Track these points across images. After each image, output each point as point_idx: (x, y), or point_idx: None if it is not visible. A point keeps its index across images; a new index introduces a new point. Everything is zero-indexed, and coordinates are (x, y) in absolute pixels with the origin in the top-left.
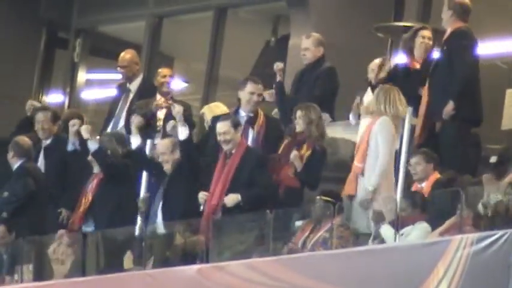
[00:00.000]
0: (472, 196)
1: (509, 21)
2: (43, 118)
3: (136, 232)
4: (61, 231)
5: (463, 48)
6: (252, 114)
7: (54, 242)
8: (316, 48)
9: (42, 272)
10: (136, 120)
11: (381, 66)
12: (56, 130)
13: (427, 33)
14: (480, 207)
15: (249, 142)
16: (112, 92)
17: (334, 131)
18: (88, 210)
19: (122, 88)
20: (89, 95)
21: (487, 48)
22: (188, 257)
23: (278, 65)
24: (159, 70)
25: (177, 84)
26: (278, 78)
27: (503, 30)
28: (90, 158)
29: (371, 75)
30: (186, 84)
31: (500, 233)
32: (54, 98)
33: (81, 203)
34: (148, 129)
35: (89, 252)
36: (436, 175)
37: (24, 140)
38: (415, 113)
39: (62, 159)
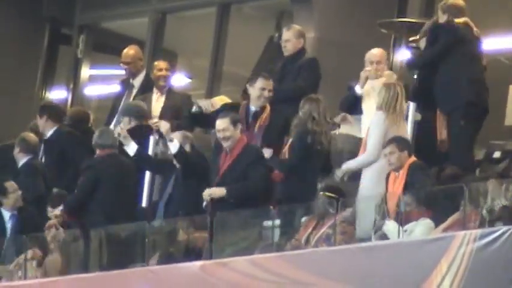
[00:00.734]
0: (476, 192)
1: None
2: None
3: None
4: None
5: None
6: (258, 109)
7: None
8: (297, 40)
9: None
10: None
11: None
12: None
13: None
14: (485, 212)
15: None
16: (115, 88)
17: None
18: None
19: (125, 84)
20: (92, 91)
21: (491, 44)
22: (191, 253)
23: None
24: (155, 63)
25: (181, 80)
26: None
27: (506, 26)
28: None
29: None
30: (189, 80)
31: (503, 229)
32: (58, 94)
33: None
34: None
35: (92, 249)
36: (411, 159)
37: (30, 136)
38: (420, 108)
39: (61, 153)
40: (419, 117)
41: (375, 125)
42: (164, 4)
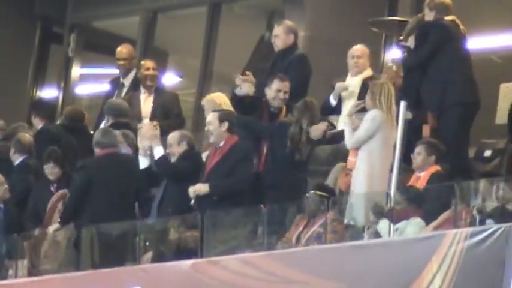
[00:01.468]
0: (467, 191)
1: (503, 15)
2: None
3: None
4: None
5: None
6: (276, 111)
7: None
8: (287, 35)
9: (36, 268)
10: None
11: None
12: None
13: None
14: (475, 212)
15: None
16: (106, 87)
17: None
18: None
19: (115, 83)
20: (83, 89)
21: (482, 42)
22: (183, 251)
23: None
24: (142, 62)
25: (171, 79)
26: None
27: (497, 24)
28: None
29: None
30: (180, 79)
31: (494, 227)
32: (49, 92)
33: None
34: None
35: (83, 247)
36: (436, 167)
37: (25, 136)
38: (410, 107)
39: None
40: (410, 116)
41: (368, 120)
42: (155, 3)
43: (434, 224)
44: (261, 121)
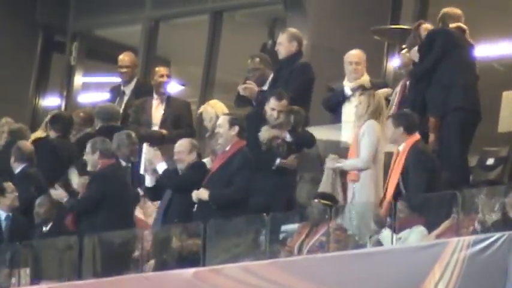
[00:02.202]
0: (469, 199)
1: (506, 23)
2: None
3: None
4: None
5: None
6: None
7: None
8: (290, 43)
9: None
10: None
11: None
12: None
13: (428, 26)
14: (477, 224)
15: None
16: (107, 95)
17: (320, 132)
18: None
19: (116, 91)
20: (85, 98)
21: (484, 50)
22: (185, 260)
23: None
24: (156, 69)
25: (174, 87)
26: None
27: (500, 32)
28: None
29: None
30: (182, 87)
31: (496, 235)
32: (51, 101)
33: None
34: None
35: (85, 255)
36: (415, 138)
37: (25, 144)
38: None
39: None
40: None
41: (369, 133)
42: (157, 12)
43: (436, 232)
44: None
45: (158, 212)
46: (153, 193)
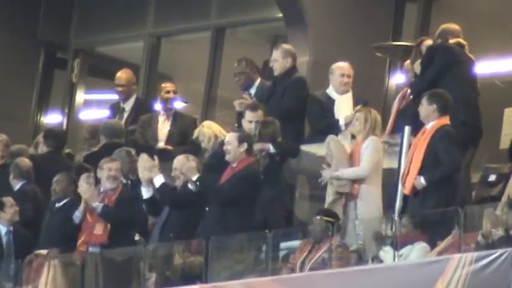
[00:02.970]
0: (471, 215)
1: (507, 40)
2: None
3: None
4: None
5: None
6: None
7: None
8: (284, 59)
9: None
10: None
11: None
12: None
13: (430, 42)
14: (480, 238)
15: None
16: (107, 112)
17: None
18: None
19: (115, 108)
20: (87, 115)
21: (485, 67)
22: (187, 277)
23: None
24: (163, 85)
25: (176, 104)
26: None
27: (501, 49)
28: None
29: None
30: (184, 104)
31: (499, 251)
32: (53, 118)
33: None
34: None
35: (88, 272)
36: (444, 120)
37: (24, 161)
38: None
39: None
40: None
41: (373, 147)
42: (159, 28)
43: (438, 248)
44: None
45: (155, 227)
46: (151, 207)
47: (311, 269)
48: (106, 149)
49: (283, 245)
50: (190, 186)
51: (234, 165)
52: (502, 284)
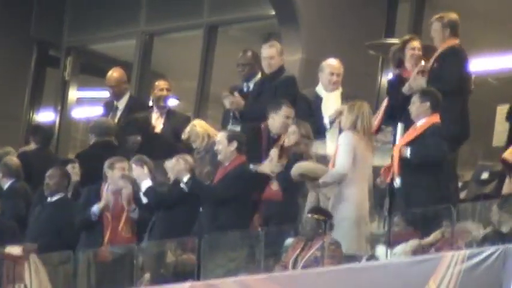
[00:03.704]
0: (463, 212)
1: (500, 38)
2: None
3: None
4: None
5: (457, 65)
6: (276, 136)
7: None
8: (279, 57)
9: None
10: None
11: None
12: None
13: (416, 43)
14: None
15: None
16: (101, 110)
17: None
18: None
19: (109, 106)
20: (79, 113)
21: (478, 64)
22: (180, 274)
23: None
24: (156, 83)
25: (168, 102)
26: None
27: (494, 46)
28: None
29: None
30: (177, 102)
31: (491, 249)
32: (45, 116)
33: None
34: None
35: (80, 270)
36: (435, 118)
37: (12, 160)
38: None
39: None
40: None
41: (342, 144)
42: (152, 26)
43: (427, 240)
44: (259, 146)
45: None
46: (149, 211)
47: (304, 267)
48: (97, 147)
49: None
50: (182, 185)
51: (226, 164)
52: (494, 282)
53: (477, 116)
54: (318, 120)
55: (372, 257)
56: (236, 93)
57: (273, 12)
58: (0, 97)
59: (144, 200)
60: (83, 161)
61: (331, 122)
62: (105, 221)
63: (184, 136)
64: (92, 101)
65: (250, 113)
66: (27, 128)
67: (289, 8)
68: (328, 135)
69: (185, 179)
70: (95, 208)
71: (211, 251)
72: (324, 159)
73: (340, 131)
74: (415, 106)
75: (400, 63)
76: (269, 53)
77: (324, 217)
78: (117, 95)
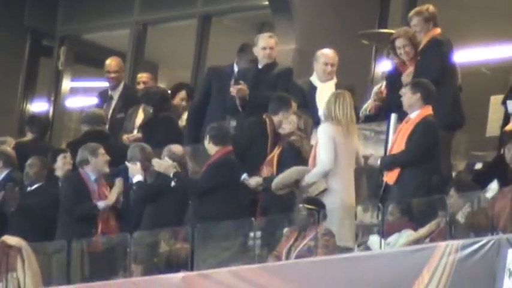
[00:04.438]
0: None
1: (494, 28)
2: None
3: None
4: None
5: (440, 54)
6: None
7: None
8: (277, 47)
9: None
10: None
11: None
12: None
13: (399, 42)
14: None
15: None
16: (95, 100)
17: None
18: None
19: (103, 96)
20: (73, 102)
21: (472, 54)
22: (173, 264)
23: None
24: (138, 76)
25: None
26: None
27: (487, 37)
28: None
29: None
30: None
31: (485, 239)
32: (39, 106)
33: None
34: None
35: (73, 260)
36: (427, 110)
37: (8, 150)
38: (401, 119)
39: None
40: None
41: (321, 136)
42: (145, 16)
43: (421, 232)
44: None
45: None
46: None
47: (297, 257)
48: (88, 136)
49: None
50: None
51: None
52: (488, 272)
53: (470, 106)
54: (312, 110)
55: (364, 245)
56: (241, 82)
57: (267, 2)
58: None
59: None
60: (75, 150)
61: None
62: (102, 212)
63: (181, 123)
64: (86, 91)
65: (252, 102)
66: (21, 118)
67: None
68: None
69: (171, 174)
70: (102, 204)
71: (204, 241)
72: None
73: None
74: (406, 97)
75: (396, 55)
76: (270, 43)
77: (317, 207)
78: (115, 83)
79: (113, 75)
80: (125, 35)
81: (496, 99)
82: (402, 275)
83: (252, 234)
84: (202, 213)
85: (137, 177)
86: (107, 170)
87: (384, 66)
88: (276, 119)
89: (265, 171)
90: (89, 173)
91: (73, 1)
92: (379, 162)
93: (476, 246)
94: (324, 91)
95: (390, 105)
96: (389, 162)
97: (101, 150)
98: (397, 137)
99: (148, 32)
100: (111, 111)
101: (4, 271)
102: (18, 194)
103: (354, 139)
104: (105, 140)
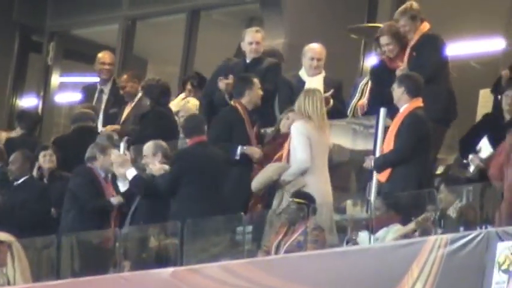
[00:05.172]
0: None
1: (483, 22)
2: None
3: None
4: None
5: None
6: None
7: None
8: (263, 42)
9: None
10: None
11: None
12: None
13: (383, 40)
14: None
15: None
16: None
17: None
18: None
19: (89, 91)
20: (62, 98)
21: (461, 48)
22: (162, 259)
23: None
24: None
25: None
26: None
27: (477, 30)
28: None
29: None
30: None
31: (474, 233)
32: (28, 101)
33: None
34: None
35: (63, 255)
36: (417, 103)
37: None
38: (390, 114)
39: None
40: (390, 122)
41: (295, 135)
42: (134, 11)
43: (409, 227)
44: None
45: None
46: (129, 199)
47: (286, 252)
48: (76, 133)
49: None
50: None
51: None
52: (477, 265)
53: (460, 99)
54: None
55: (352, 242)
56: (231, 76)
57: None
58: None
59: (123, 188)
60: (62, 146)
61: None
62: None
63: (174, 108)
64: (75, 86)
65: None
66: (11, 114)
67: None
68: None
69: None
70: (115, 200)
71: (194, 236)
72: None
73: None
74: (394, 92)
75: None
76: (257, 38)
77: (306, 202)
78: (107, 77)
79: (107, 67)
80: (114, 30)
81: (485, 93)
82: (392, 269)
83: (241, 228)
84: (182, 211)
85: (131, 171)
86: (113, 170)
87: (372, 60)
88: (244, 100)
89: None
90: (98, 169)
91: None
92: (372, 164)
93: (465, 240)
94: (312, 85)
95: (376, 100)
96: (381, 163)
97: (110, 151)
98: (387, 133)
99: (137, 27)
100: (103, 106)
101: None
102: None
103: (327, 134)
104: (94, 136)
